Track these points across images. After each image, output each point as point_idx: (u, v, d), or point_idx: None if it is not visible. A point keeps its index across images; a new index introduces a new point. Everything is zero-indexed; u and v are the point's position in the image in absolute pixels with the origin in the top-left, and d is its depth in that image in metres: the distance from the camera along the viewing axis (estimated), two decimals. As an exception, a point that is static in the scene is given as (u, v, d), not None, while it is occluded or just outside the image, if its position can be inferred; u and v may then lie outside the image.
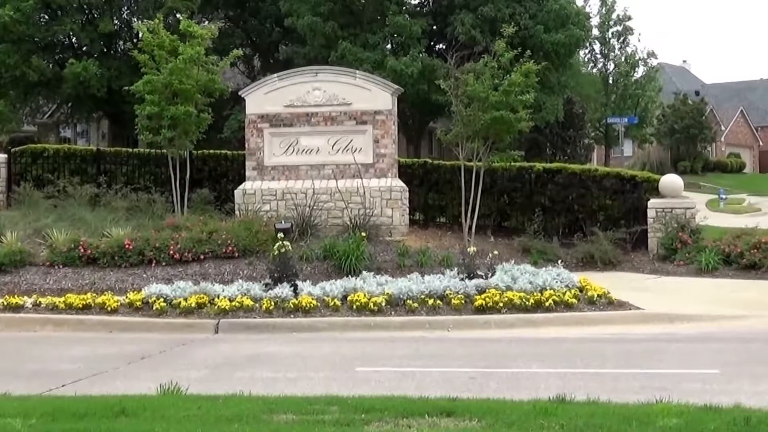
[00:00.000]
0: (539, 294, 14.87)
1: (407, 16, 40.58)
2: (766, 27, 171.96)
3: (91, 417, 7.12)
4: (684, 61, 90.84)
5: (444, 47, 41.49)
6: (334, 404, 7.44)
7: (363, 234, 18.00)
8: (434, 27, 42.32)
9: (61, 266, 17.39)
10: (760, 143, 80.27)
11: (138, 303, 15.15)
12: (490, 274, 15.83)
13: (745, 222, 24.22)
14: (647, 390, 8.56)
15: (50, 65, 37.71)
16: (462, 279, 15.56)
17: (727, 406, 7.31)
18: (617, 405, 7.38)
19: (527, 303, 14.69)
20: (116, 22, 39.22)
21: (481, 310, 14.62)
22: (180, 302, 14.96)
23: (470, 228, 19.06)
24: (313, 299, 14.91)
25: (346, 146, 20.36)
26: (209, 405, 7.72)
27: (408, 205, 20.67)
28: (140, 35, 21.35)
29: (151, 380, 9.27)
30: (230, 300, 14.94)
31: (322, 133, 20.50)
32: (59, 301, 15.37)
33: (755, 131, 79.97)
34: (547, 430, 6.19)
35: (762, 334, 13.19)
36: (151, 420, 6.92)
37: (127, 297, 15.42)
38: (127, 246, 17.47)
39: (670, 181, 20.44)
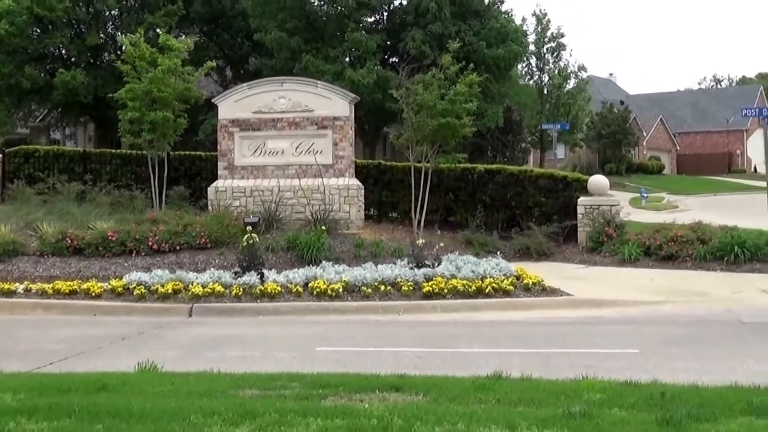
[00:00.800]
0: (480, 282, 14.97)
1: (364, 32, 40.72)
2: (683, 44, 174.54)
3: (74, 392, 7.08)
4: (611, 74, 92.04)
5: (397, 60, 41.53)
6: (294, 381, 7.44)
7: (323, 228, 18.00)
8: (388, 42, 42.38)
9: (50, 256, 17.31)
10: (677, 148, 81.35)
11: (120, 289, 15.09)
12: (436, 264, 15.90)
13: (663, 218, 24.69)
14: (575, 368, 8.62)
15: (42, 74, 37.76)
16: (411, 268, 15.63)
17: (646, 382, 7.40)
18: (548, 381, 7.43)
19: (470, 290, 14.78)
20: (102, 35, 39.37)
21: (429, 296, 14.69)
22: (158, 288, 14.92)
23: (419, 222, 19.12)
24: (277, 286, 14.93)
25: (309, 149, 20.43)
26: (182, 381, 7.71)
27: (363, 201, 20.75)
28: (123, 48, 21.30)
29: (130, 359, 9.20)
30: (203, 286, 14.93)
31: (286, 137, 20.55)
32: (48, 287, 15.33)
33: (673, 137, 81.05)
34: (485, 404, 6.21)
35: (677, 317, 13.35)
36: (130, 395, 6.88)
37: (109, 283, 15.35)
38: (110, 237, 17.42)
39: (597, 181, 20.64)
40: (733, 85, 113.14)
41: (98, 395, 6.91)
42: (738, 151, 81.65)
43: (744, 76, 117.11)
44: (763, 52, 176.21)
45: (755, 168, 76.07)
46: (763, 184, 21.99)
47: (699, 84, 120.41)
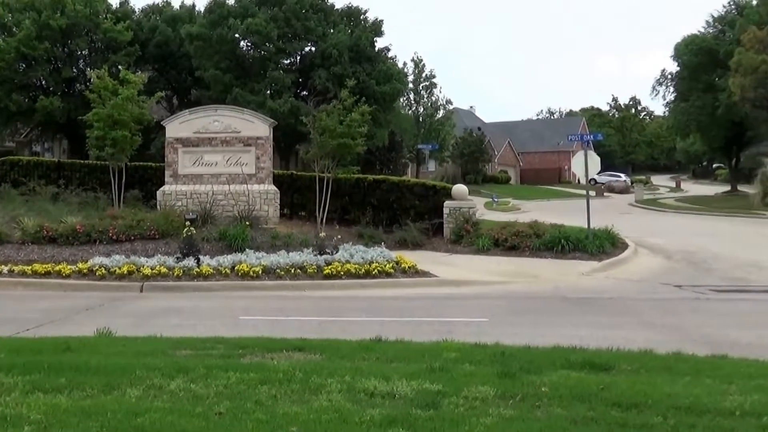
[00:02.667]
0: (368, 265, 15.02)
1: (281, 71, 40.78)
2: (526, 84, 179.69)
3: (45, 352, 6.92)
4: (471, 107, 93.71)
5: (306, 93, 41.69)
6: (220, 343, 7.36)
7: (247, 223, 17.91)
8: (300, 79, 42.31)
9: (29, 243, 16.91)
10: (521, 163, 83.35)
11: (85, 270, 14.74)
12: (335, 252, 15.89)
13: (509, 217, 25.28)
14: (439, 332, 8.67)
15: (26, 100, 37.58)
16: (315, 255, 15.59)
17: (491, 344, 7.48)
18: (417, 343, 7.48)
19: (360, 272, 14.82)
20: (74, 70, 39.30)
21: (328, 276, 14.67)
22: (116, 270, 14.64)
23: (322, 219, 19.11)
24: (210, 268, 14.73)
25: (237, 161, 20.29)
26: (131, 343, 7.57)
27: (279, 203, 20.62)
28: (91, 80, 21.30)
29: (92, 326, 8.93)
30: (152, 269, 14.69)
31: (219, 152, 20.34)
32: (27, 269, 14.96)
33: (517, 155, 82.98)
34: (368, 360, 6.24)
35: (518, 294, 13.56)
36: (89, 354, 6.72)
37: (77, 266, 14.98)
38: (78, 230, 17.05)
39: (459, 189, 20.95)
40: (563, 116, 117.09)
41: (63, 355, 6.75)
42: (566, 167, 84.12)
43: (571, 110, 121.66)
44: (585, 92, 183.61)
45: (578, 180, 78.78)
46: (584, 192, 22.82)
47: (537, 115, 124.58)
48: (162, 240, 17.27)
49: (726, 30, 52.99)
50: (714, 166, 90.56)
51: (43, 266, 15.03)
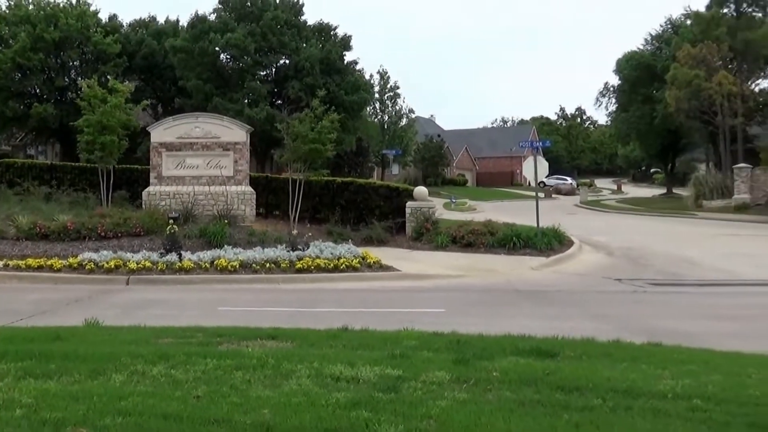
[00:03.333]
0: (337, 260, 14.99)
1: (258, 82, 40.75)
2: (482, 94, 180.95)
3: (36, 341, 6.82)
4: (431, 115, 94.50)
5: (281, 102, 41.63)
6: (199, 332, 7.30)
7: (226, 221, 17.83)
8: (275, 89, 42.18)
9: (23, 240, 16.76)
10: (477, 168, 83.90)
11: (75, 264, 14.60)
12: (306, 248, 15.83)
13: (466, 217, 25.45)
14: (401, 322, 8.61)
15: (21, 107, 37.27)
16: (288, 251, 15.51)
17: (447, 332, 7.46)
18: (380, 331, 7.46)
19: (329, 266, 14.78)
20: (66, 79, 38.86)
21: (300, 270, 14.63)
22: (104, 264, 14.50)
23: (295, 218, 19.00)
24: (191, 263, 14.64)
25: (216, 164, 20.17)
26: (117, 332, 7.48)
27: (255, 203, 20.48)
28: (82, 89, 21.09)
29: (81, 316, 8.78)
30: (137, 263, 14.53)
31: (200, 156, 20.20)
32: (21, 263, 14.78)
33: (474, 160, 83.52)
34: (335, 348, 6.23)
35: (473, 287, 13.60)
36: (77, 343, 6.65)
37: (68, 261, 14.83)
38: (69, 227, 16.87)
39: (420, 190, 20.95)
40: (515, 124, 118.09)
41: (54, 343, 6.66)
42: (518, 171, 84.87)
43: (522, 119, 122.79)
44: (535, 102, 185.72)
45: (529, 183, 79.60)
46: (534, 194, 23.09)
47: (492, 123, 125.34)
48: (147, 237, 17.11)
49: (663, 47, 54.08)
50: (652, 170, 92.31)
51: (36, 261, 14.82)
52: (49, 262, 14.69)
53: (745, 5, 44.53)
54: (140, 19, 46.75)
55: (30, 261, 14.76)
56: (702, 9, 46.32)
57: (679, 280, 14.82)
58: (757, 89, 45.46)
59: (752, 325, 9.68)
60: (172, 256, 14.87)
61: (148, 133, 21.17)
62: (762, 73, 46.29)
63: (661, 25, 57.54)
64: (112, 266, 14.41)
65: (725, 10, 44.41)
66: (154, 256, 14.99)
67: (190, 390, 4.55)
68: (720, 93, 39.55)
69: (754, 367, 5.62)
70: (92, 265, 14.46)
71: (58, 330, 7.46)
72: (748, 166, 37.41)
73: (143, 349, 6.01)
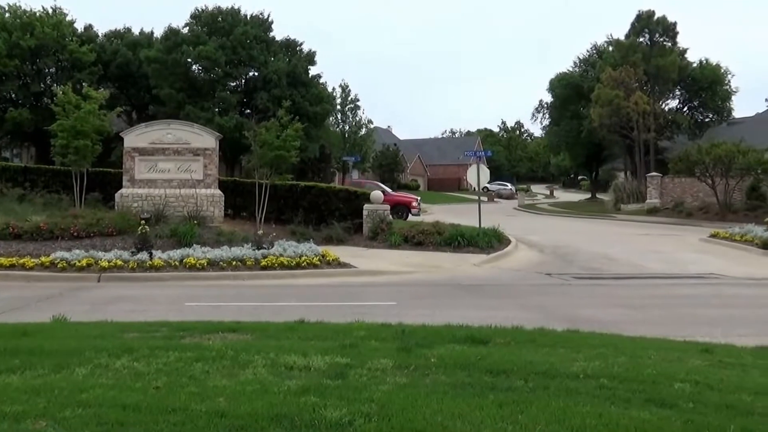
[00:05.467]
0: (299, 258, 14.78)
1: (228, 92, 40.13)
2: (434, 107, 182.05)
3: (3, 337, 6.41)
4: (388, 126, 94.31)
5: (250, 111, 41.06)
6: (164, 326, 7.04)
7: (195, 222, 17.29)
8: (244, 99, 41.66)
9: None
10: (428, 174, 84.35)
11: (47, 263, 13.87)
12: (271, 247, 15.55)
13: (417, 218, 25.57)
14: (355, 315, 8.44)
15: None
16: (254, 249, 15.22)
17: (395, 323, 7.36)
18: (334, 324, 7.36)
19: (292, 264, 14.57)
20: (42, 86, 37.41)
21: (265, 268, 14.38)
22: (76, 263, 13.82)
23: (261, 219, 18.72)
24: (161, 261, 14.16)
25: (187, 169, 19.56)
26: (83, 328, 7.12)
27: (224, 205, 20.01)
28: (56, 95, 19.95)
29: (50, 313, 8.35)
30: (109, 261, 13.93)
31: (172, 161, 19.56)
32: None
33: (425, 167, 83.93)
34: (290, 339, 6.11)
35: (422, 281, 13.61)
36: (43, 339, 6.29)
37: (40, 259, 14.05)
38: (42, 227, 15.99)
39: (376, 194, 20.88)
40: (463, 135, 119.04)
41: (20, 339, 6.30)
42: (464, 177, 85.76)
43: (469, 130, 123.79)
44: (480, 116, 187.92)
45: (473, 188, 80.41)
46: (477, 198, 23.30)
47: (442, 134, 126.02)
48: (119, 237, 16.45)
49: (589, 69, 55.35)
50: (579, 178, 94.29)
51: (8, 260, 14.02)
52: (21, 261, 13.97)
53: (657, 35, 45.98)
54: (115, 30, 45.37)
55: (2, 260, 13.99)
56: (622, 37, 47.64)
57: (599, 274, 15.13)
58: (666, 108, 47.08)
59: (658, 313, 9.96)
60: (143, 255, 14.40)
61: (122, 139, 20.52)
62: (671, 95, 47.97)
63: (587, 50, 58.92)
64: (84, 264, 13.84)
65: (641, 39, 45.77)
66: (126, 254, 14.49)
67: (151, 381, 4.39)
68: (636, 111, 40.75)
69: (654, 350, 5.77)
70: (64, 264, 13.84)
71: (26, 326, 7.12)
72: (659, 174, 38.64)
73: (108, 343, 5.78)
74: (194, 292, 12.17)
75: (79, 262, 13.88)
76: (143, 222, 15.69)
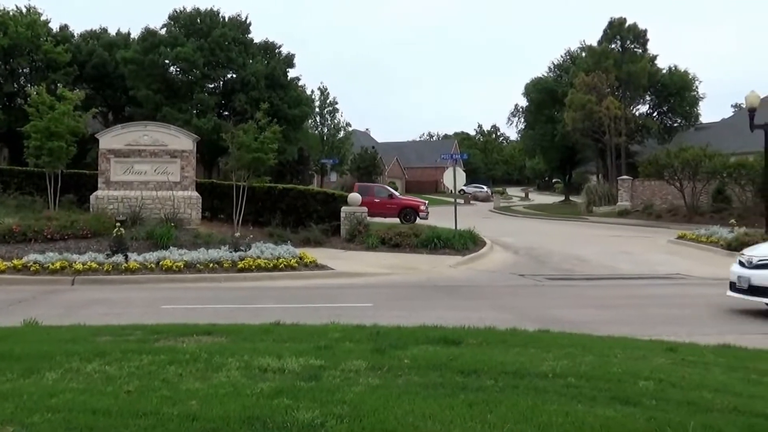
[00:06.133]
0: (276, 260, 14.73)
1: (206, 94, 39.81)
2: (412, 110, 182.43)
3: None
4: (367, 129, 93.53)
5: (228, 113, 40.78)
6: (138, 329, 6.91)
7: (172, 224, 17.17)
8: (223, 101, 41.38)
9: None
10: (406, 176, 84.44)
11: (20, 266, 13.60)
12: (248, 249, 15.46)
13: (394, 221, 25.54)
14: (331, 316, 8.37)
15: None
16: (231, 251, 15.12)
17: (369, 325, 7.32)
18: (310, 325, 7.30)
19: (269, 265, 14.52)
20: (15, 86, 36.68)
21: (242, 270, 14.31)
22: (49, 266, 13.57)
23: (238, 221, 18.63)
24: (137, 263, 13.97)
25: (164, 171, 19.39)
26: (55, 332, 6.96)
27: (201, 207, 19.84)
28: (30, 95, 19.55)
29: (22, 316, 8.16)
30: (83, 264, 13.73)
31: (148, 162, 19.35)
32: None
33: (403, 170, 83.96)
34: (265, 341, 6.06)
35: (399, 283, 13.63)
36: (14, 343, 6.11)
37: (12, 262, 13.77)
38: (14, 229, 15.68)
39: (354, 197, 20.91)
40: (440, 138, 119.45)
41: (-10, 344, 6.14)
42: (441, 180, 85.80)
43: (446, 133, 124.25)
44: (457, 119, 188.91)
45: (450, 190, 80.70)
46: (453, 200, 23.41)
47: (420, 137, 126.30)
48: (94, 239, 16.16)
49: (563, 75, 56.06)
50: (553, 180, 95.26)
51: (-20, 263, 13.62)
52: (-8, 264, 13.61)
53: (628, 42, 46.76)
54: (91, 30, 44.72)
55: (-26, 264, 13.60)
56: (594, 44, 48.35)
57: (571, 275, 15.33)
58: (637, 113, 47.92)
59: (626, 312, 10.13)
60: (119, 257, 14.19)
61: (98, 140, 20.14)
62: (641, 100, 48.84)
63: (562, 56, 59.71)
64: (58, 267, 13.59)
65: (613, 46, 46.51)
66: (101, 257, 14.27)
67: (122, 385, 4.31)
68: (608, 116, 41.38)
69: (621, 349, 5.87)
70: (37, 267, 13.56)
71: (-4, 330, 6.98)
72: (629, 177, 39.28)
73: (80, 347, 5.66)
74: (171, 294, 12.02)
75: (53, 264, 13.63)
76: (119, 224, 15.48)
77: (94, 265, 13.79)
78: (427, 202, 31.75)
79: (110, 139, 19.58)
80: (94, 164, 26.25)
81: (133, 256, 14.43)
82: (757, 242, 18.71)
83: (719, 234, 20.54)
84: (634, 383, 4.60)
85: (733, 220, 22.71)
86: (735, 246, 18.95)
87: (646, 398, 4.24)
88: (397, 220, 25.90)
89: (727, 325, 9.01)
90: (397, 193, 32.14)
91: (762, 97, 22.31)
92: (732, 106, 76.18)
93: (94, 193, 19.22)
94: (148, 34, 40.27)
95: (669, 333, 7.92)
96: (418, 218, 28.13)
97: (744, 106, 22.35)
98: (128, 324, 7.55)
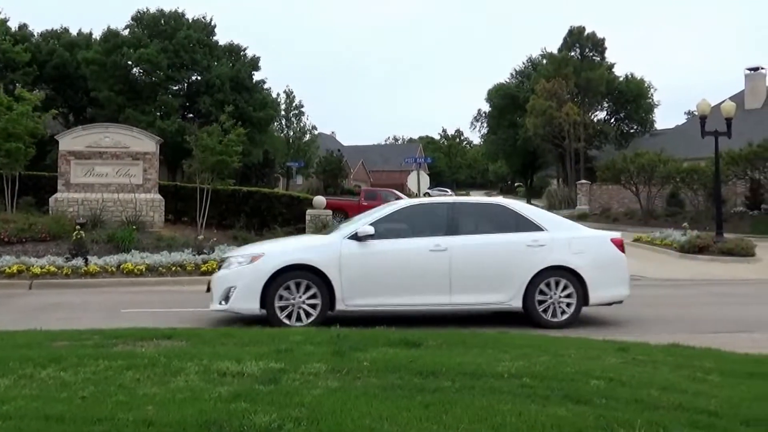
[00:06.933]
0: (240, 263, 14.65)
1: (170, 96, 39.22)
2: (377, 114, 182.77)
3: None
4: (332, 132, 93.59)
5: (192, 116, 40.22)
6: (97, 334, 6.72)
7: (134, 227, 16.78)
8: (187, 103, 40.80)
9: None
10: (371, 179, 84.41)
11: (-26, 271, 13.02)
12: (211, 252, 15.29)
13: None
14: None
15: None
16: (194, 254, 14.94)
17: (332, 327, 7.09)
18: (271, 328, 7.18)
19: (233, 269, 14.41)
20: None
21: (205, 273, 13.92)
22: (5, 269, 13.16)
23: (202, 224, 18.41)
24: (98, 267, 13.65)
25: (126, 173, 19.02)
26: (10, 337, 6.70)
27: (164, 209, 19.55)
28: None
29: (-24, 323, 7.91)
30: (41, 268, 13.33)
31: (110, 164, 18.97)
32: None
33: (368, 173, 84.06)
34: (226, 345, 5.98)
35: None
36: (-35, 350, 5.91)
37: (-34, 267, 13.20)
38: None
39: (318, 199, 20.70)
40: (405, 142, 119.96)
41: (-58, 352, 5.88)
42: (406, 183, 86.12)
43: (411, 137, 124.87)
44: (422, 123, 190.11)
45: (414, 194, 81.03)
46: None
47: (385, 140, 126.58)
48: (53, 242, 15.71)
49: (524, 81, 57.04)
50: (515, 184, 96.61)
51: (-68, 267, 13.11)
52: (-54, 269, 13.12)
53: (587, 50, 47.90)
54: (52, 30, 43.49)
55: (-76, 268, 13.09)
56: (555, 51, 49.35)
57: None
58: (595, 119, 49.10)
59: (582, 313, 10.31)
60: (78, 261, 13.85)
61: (58, 142, 19.69)
62: (599, 106, 50.08)
63: (523, 63, 60.74)
64: (15, 271, 13.16)
65: (573, 53, 47.60)
66: (60, 260, 13.90)
67: (77, 391, 4.21)
68: (567, 121, 42.32)
69: (575, 348, 6.00)
70: (-8, 271, 13.10)
71: (-52, 338, 6.72)
72: (588, 182, 40.21)
73: (35, 352, 5.49)
74: (132, 298, 11.78)
75: (10, 268, 13.22)
76: (79, 227, 15.08)
77: (52, 268, 13.41)
78: None
79: (70, 141, 19.15)
80: (54, 166, 25.58)
81: (94, 260, 14.11)
82: (708, 245, 19.44)
83: (673, 237, 21.17)
84: (586, 382, 4.70)
85: (685, 224, 23.44)
86: (688, 248, 19.60)
87: (597, 397, 4.35)
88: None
89: (678, 324, 9.29)
90: (406, 198, 31.60)
91: (713, 105, 23.12)
92: (685, 113, 78.72)
93: (54, 196, 18.75)
94: (111, 34, 39.43)
95: (622, 333, 8.13)
96: None
97: (696, 113, 23.12)
98: (86, 329, 7.34)
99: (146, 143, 19.56)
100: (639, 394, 4.49)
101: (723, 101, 22.96)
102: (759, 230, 26.09)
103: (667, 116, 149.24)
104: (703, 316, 10.18)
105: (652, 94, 51.97)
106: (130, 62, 38.32)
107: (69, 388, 4.32)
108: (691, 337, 7.79)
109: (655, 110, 52.99)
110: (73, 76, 40.01)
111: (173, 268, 14.10)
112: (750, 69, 48.57)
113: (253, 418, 3.73)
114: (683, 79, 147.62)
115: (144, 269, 13.85)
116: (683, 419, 3.97)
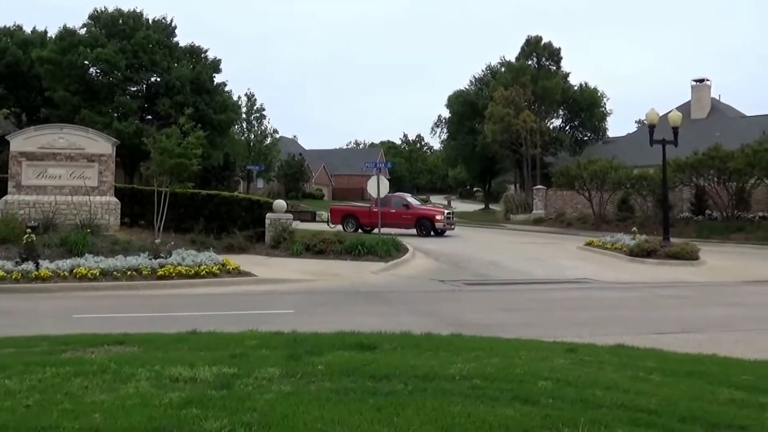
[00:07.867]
0: (198, 267, 14.35)
1: (128, 97, 38.22)
2: (339, 119, 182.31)
3: None
4: (294, 135, 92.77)
5: (151, 117, 39.29)
6: (45, 340, 6.52)
7: (88, 230, 16.42)
8: (146, 105, 39.83)
9: None
10: (333, 183, 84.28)
11: None
12: (169, 256, 14.95)
13: (320, 228, 25.46)
14: (252, 323, 8.13)
15: None
16: (151, 258, 14.60)
17: (288, 331, 7.18)
18: (226, 333, 7.13)
19: (190, 273, 14.13)
20: None
21: (162, 277, 13.83)
22: (-51, 274, 12.45)
23: (159, 228, 17.97)
24: (49, 272, 13.22)
25: (80, 175, 18.48)
26: None
27: (120, 212, 19.03)
28: None
29: None
30: (-13, 272, 12.68)
31: (64, 166, 18.39)
32: None
33: (330, 177, 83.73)
34: (179, 350, 5.87)
35: (322, 289, 13.55)
36: None
37: None
38: None
39: (278, 203, 20.72)
40: (367, 147, 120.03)
41: None
42: (366, 187, 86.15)
43: (372, 142, 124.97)
44: (383, 128, 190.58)
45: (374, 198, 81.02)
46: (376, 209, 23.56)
47: (347, 145, 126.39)
48: (2, 246, 15.15)
49: (483, 88, 57.76)
50: (474, 189, 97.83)
51: None
52: None
53: (544, 59, 48.90)
54: (4, 27, 41.84)
55: None
56: (513, 59, 50.21)
57: (487, 280, 15.78)
58: (551, 126, 50.16)
59: (536, 315, 10.57)
60: (29, 265, 13.37)
61: (9, 142, 18.98)
62: (555, 114, 51.19)
63: (483, 70, 61.50)
64: (-39, 276, 12.65)
65: (530, 62, 48.48)
66: (9, 265, 13.39)
67: (22, 400, 4.07)
68: (524, 128, 43.09)
69: (526, 350, 6.12)
70: (-62, 276, 12.55)
71: None
72: (543, 187, 41.03)
73: (-24, 361, 5.32)
74: (85, 303, 11.44)
75: (-46, 273, 12.65)
76: (30, 230, 14.59)
77: (1, 273, 12.95)
78: (449, 211, 29.15)
79: (22, 142, 18.48)
80: (5, 167, 24.64)
81: (45, 264, 13.66)
82: (655, 249, 20.06)
83: (623, 241, 21.79)
84: (534, 383, 4.80)
85: (635, 228, 24.16)
86: (637, 252, 20.20)
87: (544, 397, 4.45)
88: (318, 227, 25.69)
89: (624, 326, 9.57)
90: (415, 202, 29.80)
91: (661, 114, 23.93)
92: (636, 122, 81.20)
93: (4, 198, 18.08)
94: (67, 33, 38.24)
95: (573, 334, 8.33)
96: (433, 231, 26.47)
97: (645, 122, 23.88)
98: (34, 335, 7.10)
99: (102, 145, 19.06)
100: (584, 393, 4.61)
101: (670, 111, 23.79)
102: (703, 235, 27.10)
103: (619, 124, 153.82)
104: (649, 317, 10.51)
105: (605, 103, 53.48)
106: (86, 62, 37.24)
107: (13, 396, 4.18)
108: (637, 337, 8.05)
109: (608, 119, 54.44)
110: (26, 75, 38.65)
111: (128, 273, 13.77)
112: (696, 80, 50.57)
113: (203, 424, 3.67)
114: (634, 89, 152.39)
115: (98, 274, 13.49)
116: (624, 417, 4.10)
